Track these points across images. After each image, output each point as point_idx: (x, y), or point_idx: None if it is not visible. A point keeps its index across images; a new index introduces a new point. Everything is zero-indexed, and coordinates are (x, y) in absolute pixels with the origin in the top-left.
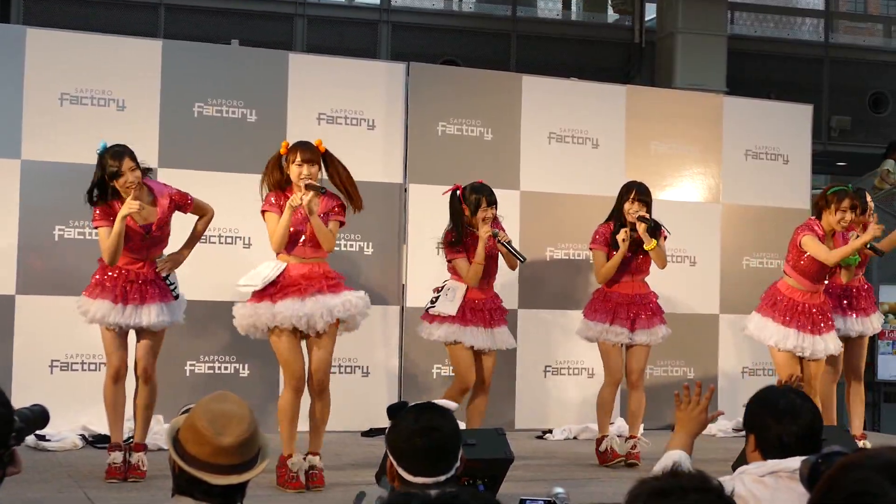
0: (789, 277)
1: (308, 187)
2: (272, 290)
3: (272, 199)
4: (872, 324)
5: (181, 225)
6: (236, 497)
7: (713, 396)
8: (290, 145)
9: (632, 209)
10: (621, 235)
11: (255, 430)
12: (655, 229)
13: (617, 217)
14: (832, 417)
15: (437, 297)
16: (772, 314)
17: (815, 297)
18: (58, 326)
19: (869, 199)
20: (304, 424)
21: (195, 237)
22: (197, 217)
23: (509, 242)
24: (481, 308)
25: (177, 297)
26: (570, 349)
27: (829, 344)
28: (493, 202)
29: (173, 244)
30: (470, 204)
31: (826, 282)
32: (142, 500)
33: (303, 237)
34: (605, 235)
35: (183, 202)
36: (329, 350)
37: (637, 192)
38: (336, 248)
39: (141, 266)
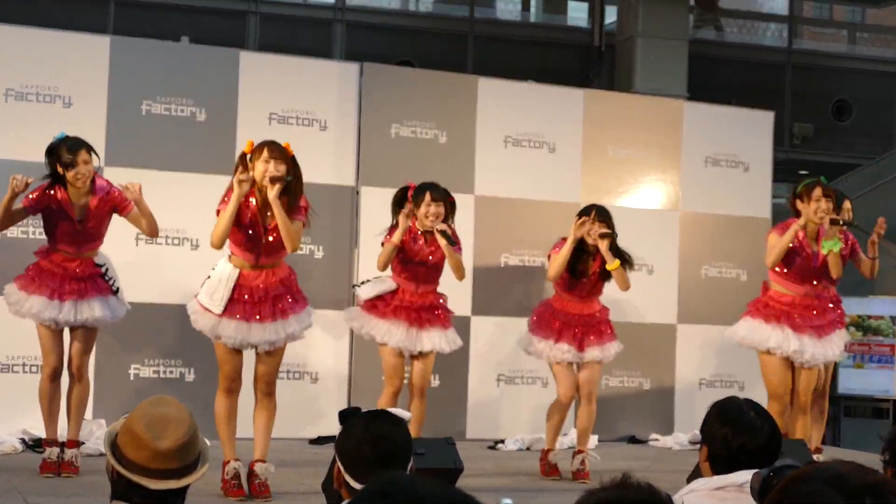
0: (776, 284)
1: (273, 180)
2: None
3: (226, 198)
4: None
5: (119, 230)
6: (177, 501)
7: (670, 409)
8: (256, 144)
9: (592, 230)
10: (586, 228)
11: (193, 435)
12: (620, 256)
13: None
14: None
15: (367, 280)
16: (763, 316)
17: (810, 299)
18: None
19: (849, 208)
20: (246, 430)
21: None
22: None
23: (444, 232)
24: (409, 307)
25: (116, 290)
26: (523, 358)
27: (829, 350)
28: (439, 198)
29: (111, 249)
30: (416, 197)
31: (816, 282)
32: None
33: (258, 246)
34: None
35: (122, 202)
36: (278, 360)
37: (597, 212)
38: None
39: (78, 263)
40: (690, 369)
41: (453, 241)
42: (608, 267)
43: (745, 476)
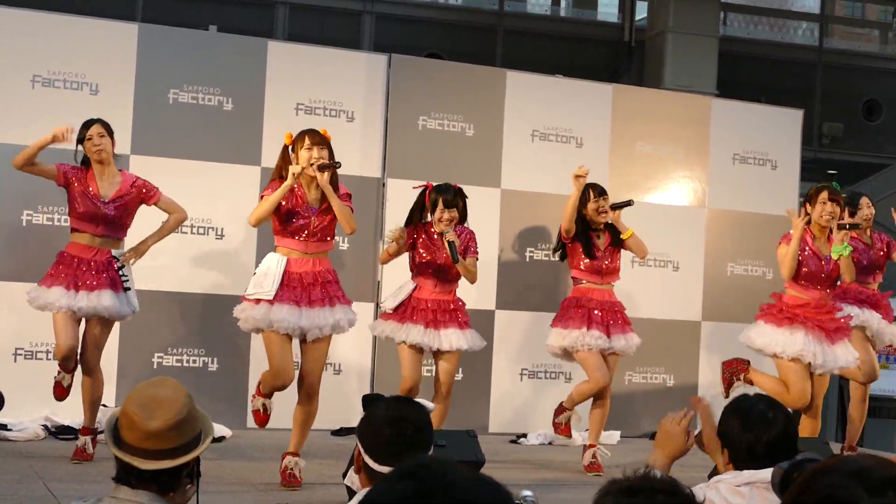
0: (791, 290)
1: (321, 168)
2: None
3: (272, 187)
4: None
5: (145, 220)
6: (174, 483)
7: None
8: (296, 134)
9: (597, 206)
10: (576, 172)
11: (187, 415)
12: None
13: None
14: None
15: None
16: (776, 320)
17: (823, 305)
18: (23, 314)
19: (869, 203)
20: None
21: (163, 231)
22: (168, 214)
23: (451, 244)
24: (425, 308)
25: (127, 289)
26: (547, 353)
27: (841, 355)
28: (451, 205)
29: (138, 237)
30: (432, 202)
31: (829, 288)
32: (103, 492)
33: (305, 231)
34: None
35: (149, 192)
36: (324, 354)
37: (594, 190)
38: None
39: (96, 252)
40: (714, 366)
41: (457, 255)
42: (622, 236)
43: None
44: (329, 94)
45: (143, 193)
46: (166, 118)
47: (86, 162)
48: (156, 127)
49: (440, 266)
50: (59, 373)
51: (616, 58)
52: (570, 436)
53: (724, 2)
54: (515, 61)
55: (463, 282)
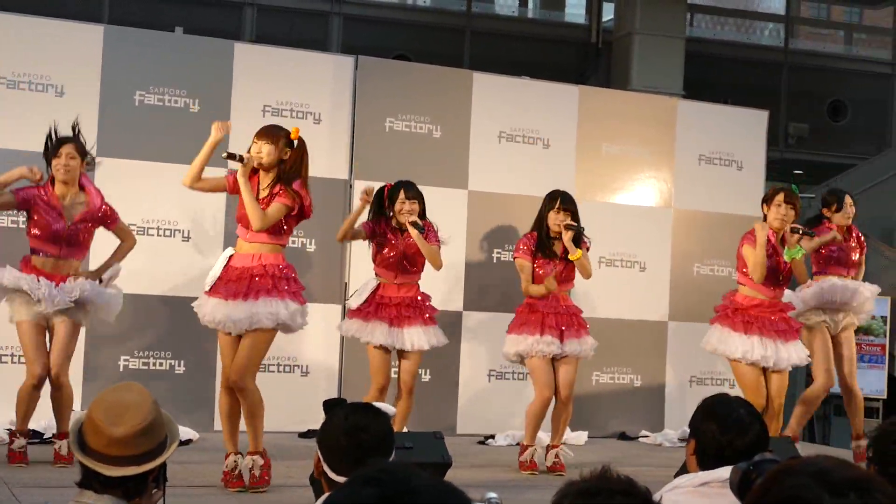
0: (744, 287)
1: (229, 156)
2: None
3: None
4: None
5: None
6: (140, 488)
7: (661, 406)
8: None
9: (557, 218)
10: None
11: (153, 421)
12: (578, 238)
13: (539, 227)
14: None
15: (354, 292)
16: (731, 324)
17: (776, 304)
18: None
19: (852, 203)
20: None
21: (115, 258)
22: (120, 240)
23: (416, 223)
24: (388, 304)
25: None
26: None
27: (794, 353)
28: (413, 196)
29: (104, 239)
30: (392, 196)
31: (782, 288)
32: (68, 496)
33: (245, 221)
34: (528, 245)
35: (111, 217)
36: (248, 348)
37: (561, 201)
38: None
39: (59, 279)
40: (681, 367)
41: (423, 228)
42: (571, 258)
43: (729, 472)
44: (296, 95)
45: (107, 218)
46: (132, 120)
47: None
48: (122, 129)
49: (401, 257)
50: (11, 440)
51: (583, 59)
52: (536, 470)
53: (691, 3)
54: (483, 62)
55: (431, 282)
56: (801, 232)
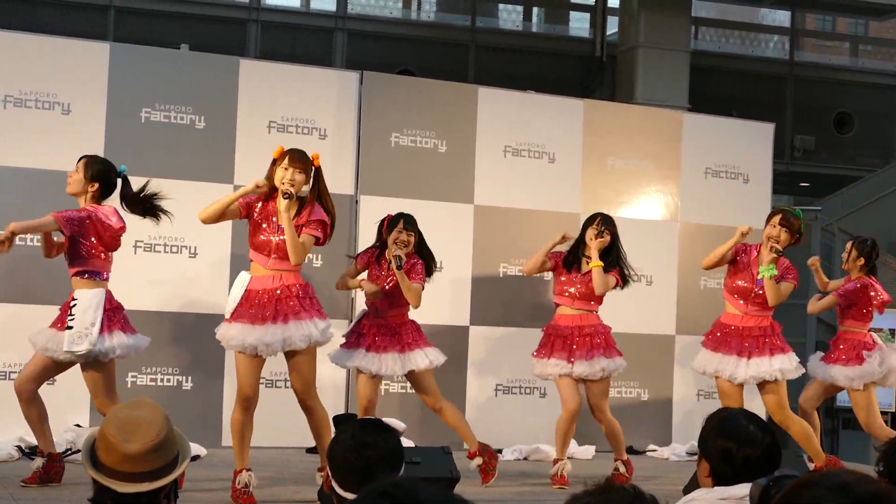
0: (728, 304)
1: (285, 195)
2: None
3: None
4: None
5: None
6: None
7: (668, 420)
8: (286, 149)
9: (592, 233)
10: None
11: (165, 438)
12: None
13: (576, 247)
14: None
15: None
16: (714, 345)
17: (749, 320)
18: None
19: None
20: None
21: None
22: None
23: (398, 257)
24: (371, 332)
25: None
26: (521, 368)
27: (752, 369)
28: (410, 229)
29: None
30: (392, 223)
31: (755, 305)
32: None
33: (268, 248)
34: (560, 255)
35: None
36: (305, 366)
37: (602, 220)
38: None
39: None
40: (688, 381)
41: (401, 264)
42: (590, 265)
43: (745, 489)
44: (301, 111)
45: None
46: (138, 137)
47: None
48: (128, 146)
49: (386, 293)
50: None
51: (588, 72)
52: (566, 485)
53: (695, 16)
54: (488, 77)
55: (438, 297)
56: (778, 253)
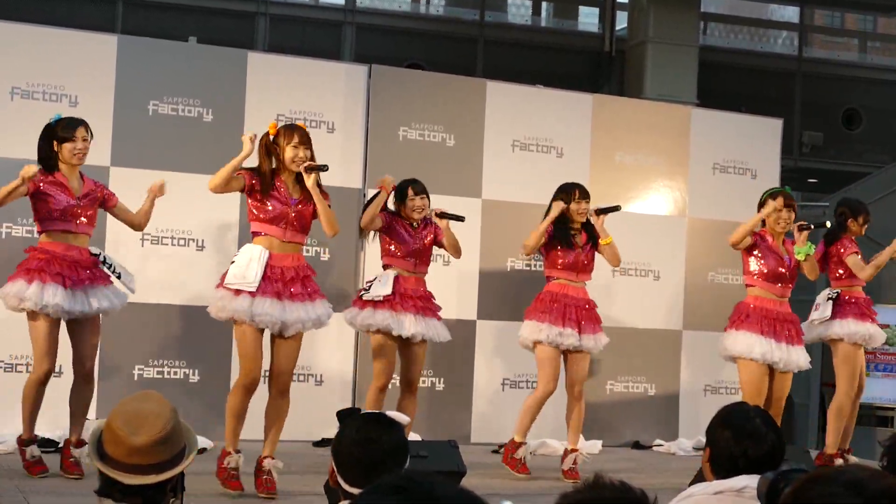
0: (753, 287)
1: (308, 169)
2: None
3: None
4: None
5: (125, 230)
6: (159, 497)
7: (675, 415)
8: (281, 126)
9: (580, 208)
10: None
11: (172, 430)
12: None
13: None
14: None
15: (370, 284)
16: (747, 326)
17: (784, 306)
18: (1, 325)
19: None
20: (251, 433)
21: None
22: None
23: (442, 213)
24: (412, 295)
25: (119, 275)
26: (529, 362)
27: (801, 357)
28: (421, 191)
29: (116, 249)
30: (400, 194)
31: (788, 284)
32: None
33: (284, 220)
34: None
35: (108, 195)
36: (297, 351)
37: (580, 191)
38: None
39: (77, 251)
40: (695, 376)
41: (454, 216)
42: (602, 242)
43: (743, 481)
44: (309, 104)
45: (105, 196)
46: (146, 130)
47: (48, 165)
48: (135, 138)
49: (413, 252)
50: (27, 450)
51: (597, 68)
52: (529, 473)
53: (704, 11)
54: (496, 71)
55: (445, 290)
56: (812, 227)
